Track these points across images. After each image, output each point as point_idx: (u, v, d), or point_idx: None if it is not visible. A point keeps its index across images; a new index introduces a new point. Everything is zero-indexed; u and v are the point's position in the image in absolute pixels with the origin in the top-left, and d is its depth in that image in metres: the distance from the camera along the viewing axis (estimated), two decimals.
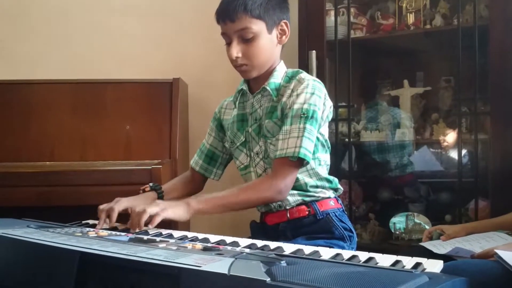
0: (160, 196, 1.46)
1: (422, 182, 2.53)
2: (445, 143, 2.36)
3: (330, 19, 2.38)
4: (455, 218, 2.23)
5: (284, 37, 1.44)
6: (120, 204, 1.31)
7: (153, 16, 2.71)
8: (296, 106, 1.34)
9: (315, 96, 1.35)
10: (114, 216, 1.27)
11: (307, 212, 1.39)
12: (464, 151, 2.25)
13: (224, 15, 1.36)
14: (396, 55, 2.54)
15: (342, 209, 1.45)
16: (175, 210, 1.23)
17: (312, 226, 1.39)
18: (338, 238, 1.38)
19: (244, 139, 1.47)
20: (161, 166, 1.99)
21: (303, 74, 1.42)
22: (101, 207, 1.30)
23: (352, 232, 1.43)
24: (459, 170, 2.19)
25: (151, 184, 1.47)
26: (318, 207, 1.39)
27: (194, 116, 2.65)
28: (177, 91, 2.35)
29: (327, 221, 1.39)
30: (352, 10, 2.39)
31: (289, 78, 1.44)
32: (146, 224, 1.20)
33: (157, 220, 1.18)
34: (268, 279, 0.67)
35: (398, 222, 2.36)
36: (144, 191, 1.46)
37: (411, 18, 2.37)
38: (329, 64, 2.31)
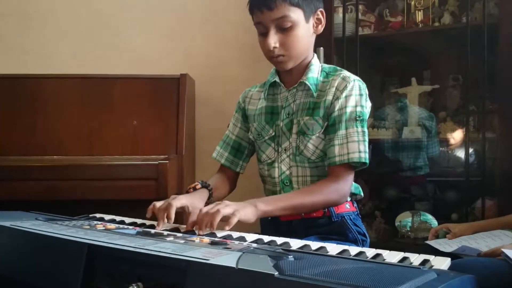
0: (211, 194, 1.38)
1: (429, 180, 2.52)
2: (453, 142, 2.36)
3: (338, 16, 2.37)
4: (461, 216, 2.23)
5: (320, 26, 1.39)
6: (178, 201, 1.21)
7: (161, 12, 2.71)
8: (349, 110, 1.32)
9: (363, 97, 1.34)
10: (173, 213, 1.17)
11: (322, 213, 1.36)
12: (471, 150, 2.24)
13: (261, 3, 1.29)
14: (404, 53, 2.53)
15: (356, 212, 1.43)
16: (246, 212, 1.15)
17: (326, 227, 1.36)
18: (352, 241, 1.36)
19: (273, 133, 1.43)
20: (167, 161, 1.99)
21: (346, 72, 1.39)
22: (157, 205, 1.21)
23: (366, 237, 1.41)
24: (466, 168, 2.19)
25: (200, 181, 1.37)
26: (334, 209, 1.37)
27: (200, 112, 2.66)
28: (184, 87, 2.35)
29: (341, 223, 1.37)
30: (360, 7, 2.39)
31: (326, 74, 1.41)
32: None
33: (234, 221, 1.10)
34: (276, 273, 0.67)
35: (404, 220, 2.35)
36: (195, 188, 1.36)
37: (419, 16, 2.37)
38: (336, 61, 2.30)
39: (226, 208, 1.12)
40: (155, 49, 2.70)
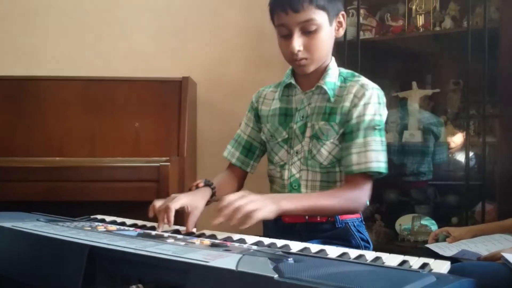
0: (214, 193, 1.37)
1: (429, 184, 2.52)
2: (453, 146, 2.36)
3: None
4: (461, 220, 2.23)
5: (341, 29, 1.37)
6: (177, 203, 1.20)
7: (163, 15, 2.72)
8: (367, 118, 1.30)
9: (382, 105, 1.33)
10: (171, 216, 1.17)
11: (326, 218, 1.35)
12: (471, 154, 2.25)
13: (286, 5, 1.26)
14: (405, 57, 2.54)
15: (360, 219, 1.42)
16: (269, 210, 1.13)
17: (329, 232, 1.35)
18: (354, 248, 1.33)
19: (287, 136, 1.41)
20: (169, 163, 2.00)
21: (364, 79, 1.37)
22: (157, 205, 1.21)
23: (369, 243, 1.40)
24: (467, 172, 2.19)
25: (204, 180, 1.37)
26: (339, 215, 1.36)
27: (202, 115, 2.67)
28: (186, 89, 2.35)
29: (345, 230, 1.36)
30: (361, 11, 2.40)
31: (344, 79, 1.39)
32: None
33: (255, 220, 1.09)
34: (275, 276, 0.67)
35: (404, 223, 2.35)
36: (197, 187, 1.35)
37: (420, 20, 2.37)
38: (337, 65, 2.30)
39: (250, 204, 1.09)
40: (157, 52, 2.71)
